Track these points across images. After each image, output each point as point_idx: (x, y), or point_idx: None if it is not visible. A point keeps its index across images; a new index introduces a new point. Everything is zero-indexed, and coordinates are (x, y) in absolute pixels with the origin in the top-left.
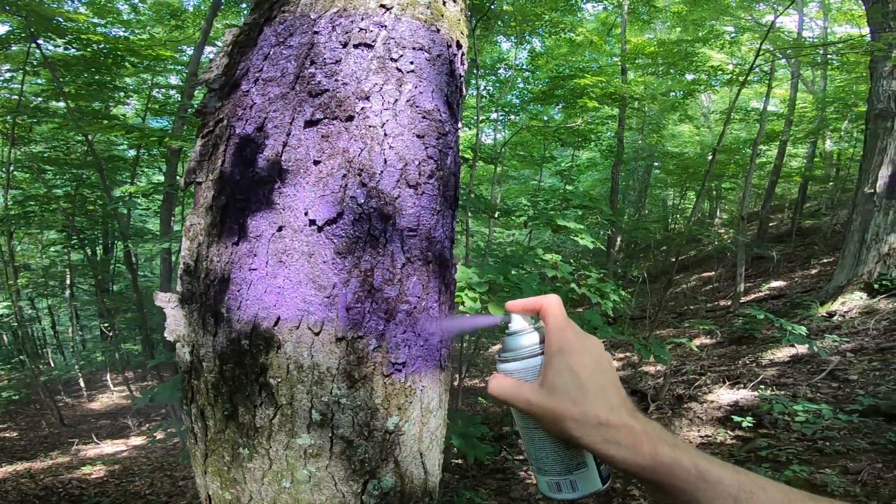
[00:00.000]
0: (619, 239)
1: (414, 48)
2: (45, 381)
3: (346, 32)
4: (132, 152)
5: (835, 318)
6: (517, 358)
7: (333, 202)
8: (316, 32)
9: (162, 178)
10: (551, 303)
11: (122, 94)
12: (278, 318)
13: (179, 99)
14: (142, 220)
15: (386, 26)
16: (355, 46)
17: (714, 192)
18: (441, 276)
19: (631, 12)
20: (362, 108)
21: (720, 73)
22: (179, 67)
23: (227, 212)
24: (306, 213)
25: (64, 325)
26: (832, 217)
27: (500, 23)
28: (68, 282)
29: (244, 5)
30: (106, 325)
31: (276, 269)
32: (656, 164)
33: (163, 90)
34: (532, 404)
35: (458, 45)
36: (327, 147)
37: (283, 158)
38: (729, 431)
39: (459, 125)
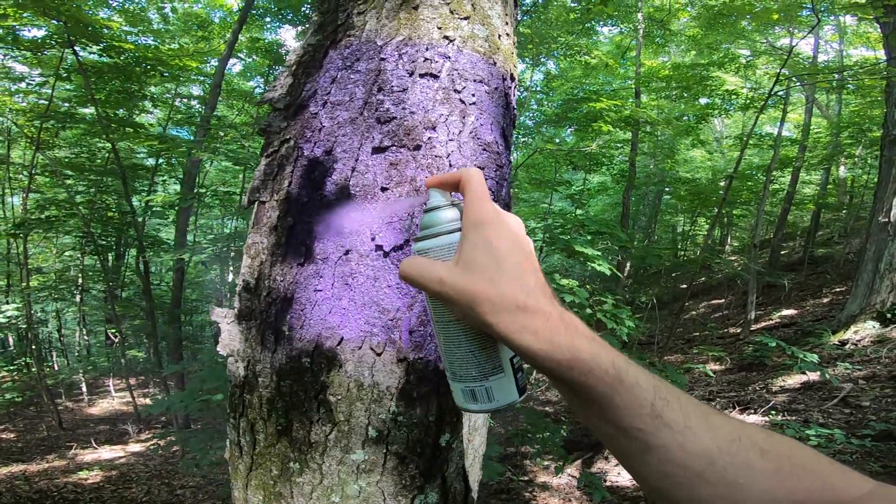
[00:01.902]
0: (628, 264)
1: (475, 80)
2: (49, 385)
3: (413, 61)
4: (151, 161)
5: (847, 346)
6: (433, 235)
7: (400, 229)
8: (383, 59)
9: (178, 188)
10: (471, 175)
11: (148, 102)
12: (341, 339)
13: (200, 109)
14: (155, 229)
15: (450, 57)
16: (421, 76)
17: (725, 219)
18: None
19: (646, 35)
20: (429, 138)
21: (734, 97)
22: (203, 78)
23: (294, 233)
24: (373, 239)
25: (70, 329)
26: (845, 246)
27: None
28: (80, 286)
29: (268, 19)
30: (113, 330)
31: (341, 290)
32: (667, 189)
33: (184, 100)
34: (445, 283)
35: (512, 78)
36: (395, 175)
37: (351, 183)
38: None
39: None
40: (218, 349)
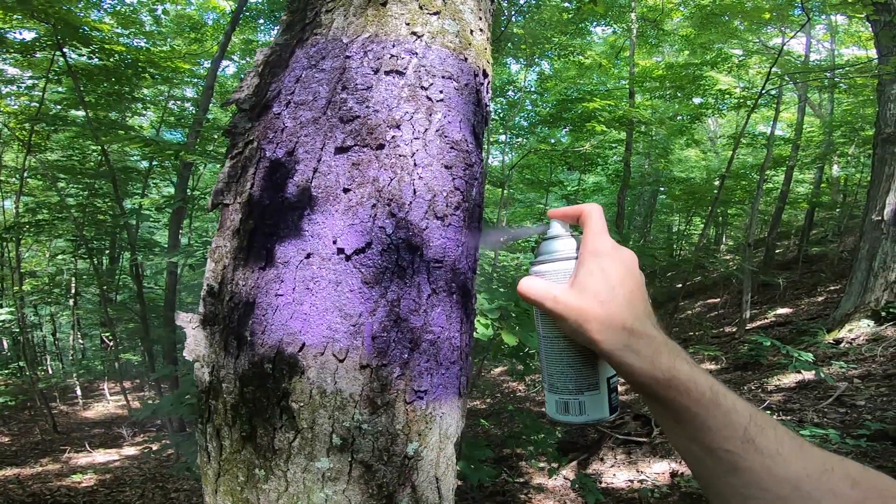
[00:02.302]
0: None
1: (443, 77)
2: (42, 388)
3: (378, 58)
4: (145, 163)
5: (842, 345)
6: (550, 260)
7: (362, 231)
8: (348, 57)
9: (172, 190)
10: (592, 210)
11: (140, 105)
12: (303, 344)
13: (194, 112)
14: (149, 231)
15: (417, 54)
16: (387, 73)
17: (720, 219)
18: (464, 307)
19: (639, 35)
20: (393, 137)
21: (728, 96)
22: (196, 80)
23: (255, 236)
24: (335, 242)
25: (65, 332)
26: (839, 244)
27: (510, 45)
28: (73, 290)
29: (261, 21)
30: (107, 334)
31: (302, 295)
32: (662, 189)
33: (178, 102)
34: (559, 302)
35: (485, 74)
36: (357, 175)
37: (313, 185)
38: None
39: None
40: (184, 354)
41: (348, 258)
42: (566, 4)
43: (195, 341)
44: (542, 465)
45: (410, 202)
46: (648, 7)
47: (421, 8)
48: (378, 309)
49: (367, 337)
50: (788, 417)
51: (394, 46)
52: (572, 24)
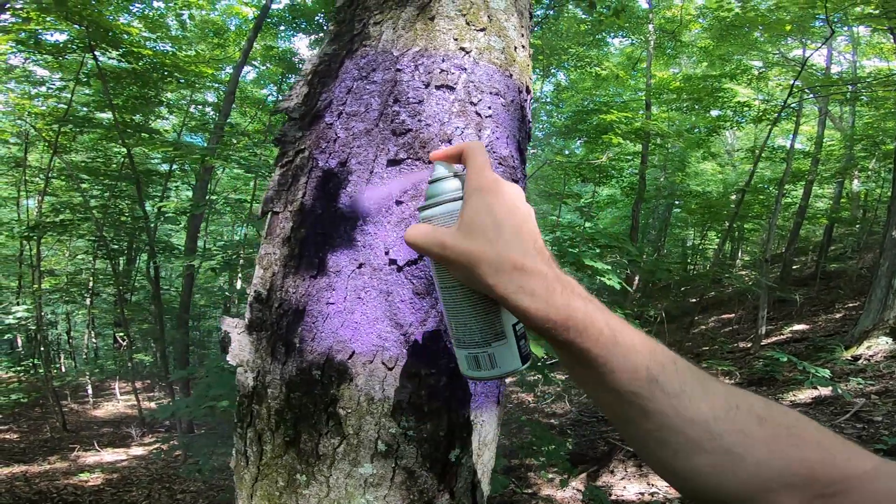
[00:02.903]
0: (636, 278)
1: (491, 93)
2: (55, 386)
3: (429, 73)
4: (165, 166)
5: (859, 361)
6: (436, 203)
7: None
8: (399, 70)
9: (190, 194)
10: (473, 146)
11: (164, 108)
12: (353, 352)
13: (215, 116)
14: (167, 234)
15: (466, 69)
16: (437, 87)
17: (736, 233)
18: None
19: (657, 47)
20: None
21: (747, 109)
22: (217, 85)
23: (307, 245)
24: (387, 253)
25: (79, 331)
26: (858, 261)
27: None
28: (90, 289)
29: (282, 27)
30: (121, 334)
31: (353, 304)
32: (677, 202)
33: (199, 107)
34: (447, 247)
35: (528, 91)
36: (410, 188)
37: (365, 196)
38: None
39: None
40: (227, 359)
41: (400, 269)
42: (584, 16)
43: (240, 346)
44: (551, 476)
45: None
46: (666, 19)
47: (468, 24)
48: (428, 319)
49: (416, 346)
50: None
51: (443, 61)
52: (590, 36)
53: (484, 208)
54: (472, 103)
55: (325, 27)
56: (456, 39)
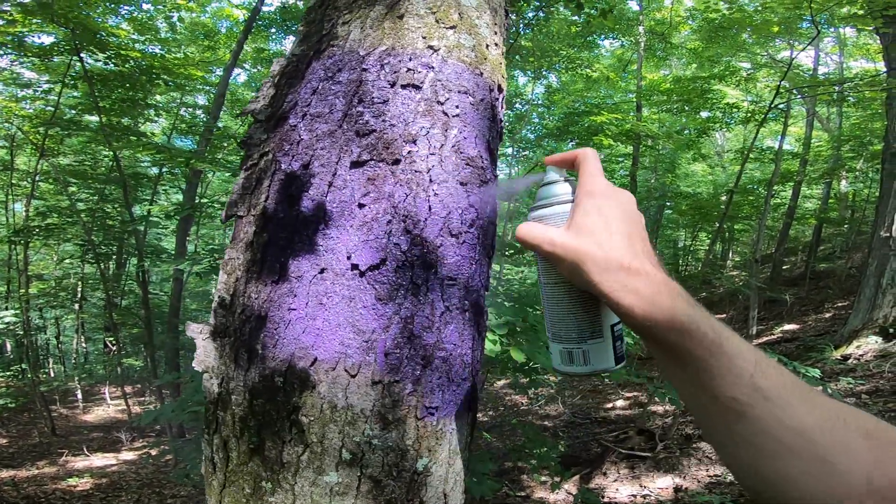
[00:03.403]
0: None
1: (459, 91)
2: (44, 391)
3: (395, 72)
4: (154, 170)
5: (849, 361)
6: (548, 204)
7: (377, 248)
8: (364, 70)
9: (180, 197)
10: (587, 153)
11: (152, 111)
12: (315, 359)
13: (205, 119)
14: (156, 238)
15: (433, 68)
16: (403, 87)
17: (726, 234)
18: (476, 324)
19: (647, 49)
20: (409, 152)
21: (736, 110)
22: (207, 88)
23: (269, 250)
24: (349, 258)
25: (68, 336)
26: (847, 260)
27: (517, 58)
28: (79, 294)
29: (273, 30)
30: (111, 338)
31: (315, 310)
32: (669, 203)
33: (189, 110)
34: (556, 244)
35: (500, 90)
36: (373, 190)
37: (328, 199)
38: None
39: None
40: (193, 364)
41: (362, 274)
42: (574, 18)
43: (205, 352)
44: (544, 478)
45: (426, 219)
46: (656, 20)
47: (437, 22)
48: (391, 325)
49: (379, 353)
50: None
51: (410, 60)
52: (580, 38)
53: (595, 211)
54: (438, 102)
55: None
56: (424, 38)
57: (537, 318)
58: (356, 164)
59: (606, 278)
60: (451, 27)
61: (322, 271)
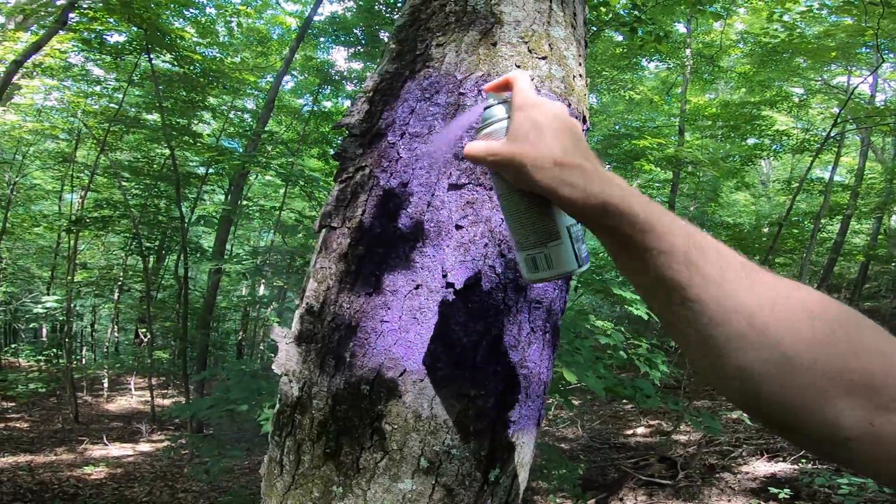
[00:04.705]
0: None
1: None
2: (74, 378)
3: None
4: (202, 169)
5: None
6: (489, 124)
7: (472, 269)
8: (462, 94)
9: (222, 198)
10: (516, 74)
11: (207, 113)
12: (404, 370)
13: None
14: (197, 235)
15: None
16: None
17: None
18: (553, 345)
19: (693, 72)
20: None
21: (785, 137)
22: (257, 92)
23: (364, 262)
24: (444, 276)
25: (103, 325)
26: (892, 299)
27: None
28: (119, 285)
29: (322, 39)
30: (143, 330)
31: (408, 324)
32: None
33: (238, 113)
34: (496, 153)
35: (584, 120)
36: (471, 213)
37: (425, 218)
38: (762, 503)
39: None
40: (273, 367)
41: (457, 293)
42: (620, 38)
43: (287, 356)
44: (559, 500)
45: None
46: (704, 43)
47: (530, 52)
48: (482, 342)
49: (468, 367)
50: (825, 466)
51: None
52: (624, 59)
53: (526, 119)
54: None
55: (361, 41)
56: (518, 66)
57: (580, 341)
58: (454, 187)
59: (544, 175)
60: (543, 57)
61: (417, 287)
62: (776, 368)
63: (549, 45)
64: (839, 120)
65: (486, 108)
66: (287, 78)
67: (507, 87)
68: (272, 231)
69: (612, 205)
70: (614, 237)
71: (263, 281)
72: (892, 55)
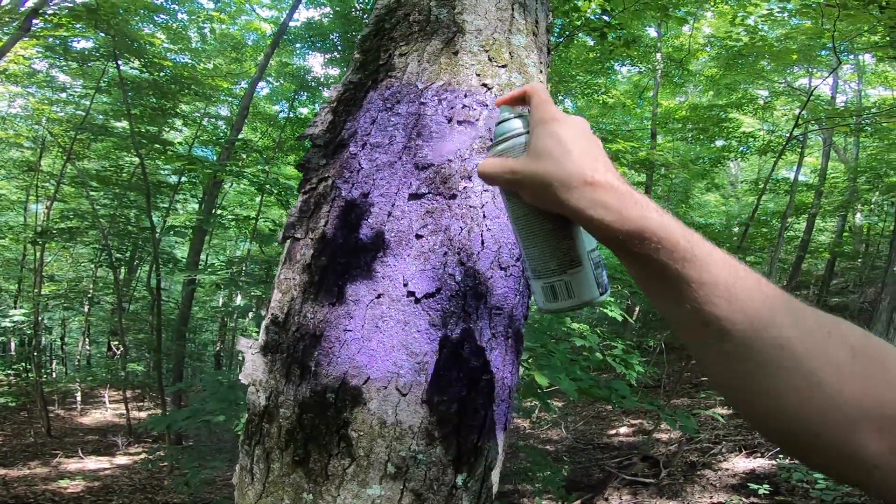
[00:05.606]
0: (637, 308)
1: None
2: (44, 392)
3: (451, 108)
4: (174, 178)
5: None
6: (504, 140)
7: (433, 277)
8: (423, 103)
9: (195, 206)
10: (534, 87)
11: (179, 121)
12: (368, 378)
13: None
14: (170, 246)
15: (487, 105)
16: (459, 123)
17: None
18: (516, 350)
19: (664, 75)
20: (465, 188)
21: (752, 139)
22: (231, 99)
23: (327, 273)
24: (406, 285)
25: (73, 337)
26: (860, 295)
27: None
28: (89, 297)
29: (298, 45)
30: (116, 342)
31: (371, 332)
32: None
33: (212, 120)
34: (517, 171)
35: None
36: (430, 223)
37: (386, 228)
38: (743, 498)
39: None
40: (240, 377)
41: (418, 301)
42: (593, 43)
43: (253, 366)
44: (544, 502)
45: (479, 252)
46: (674, 47)
47: (490, 60)
48: (443, 349)
49: (430, 374)
50: None
51: (466, 97)
52: (598, 64)
53: (549, 135)
54: (492, 140)
55: (338, 46)
56: (478, 75)
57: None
58: (414, 196)
59: (573, 195)
60: (503, 66)
61: (379, 296)
62: (809, 393)
63: (510, 53)
64: (800, 121)
65: (499, 123)
66: (262, 84)
67: (522, 99)
68: (248, 240)
69: (651, 230)
70: (648, 265)
71: (240, 292)
72: (851, 57)
